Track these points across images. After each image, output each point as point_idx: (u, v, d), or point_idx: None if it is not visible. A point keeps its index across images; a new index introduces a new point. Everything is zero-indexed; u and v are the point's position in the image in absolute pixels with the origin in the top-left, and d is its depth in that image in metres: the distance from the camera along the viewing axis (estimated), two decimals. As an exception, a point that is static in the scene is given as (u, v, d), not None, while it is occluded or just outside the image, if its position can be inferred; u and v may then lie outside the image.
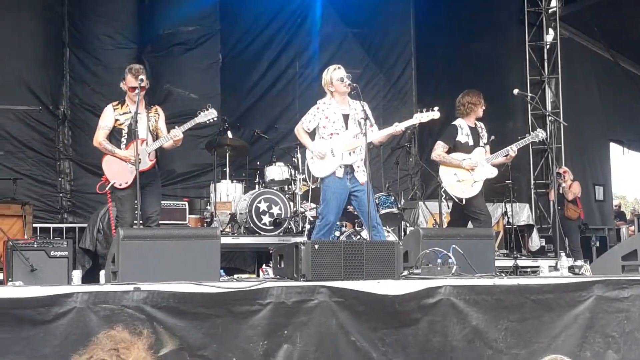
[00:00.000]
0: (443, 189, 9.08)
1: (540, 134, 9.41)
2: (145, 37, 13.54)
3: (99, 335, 3.10)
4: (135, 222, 7.92)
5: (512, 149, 9.11)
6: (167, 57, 13.64)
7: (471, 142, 9.09)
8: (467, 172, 8.97)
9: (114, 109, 8.26)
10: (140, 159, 7.92)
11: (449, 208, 11.57)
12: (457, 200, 8.99)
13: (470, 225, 9.28)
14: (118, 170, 8.12)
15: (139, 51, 13.37)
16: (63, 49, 13.11)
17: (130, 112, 8.12)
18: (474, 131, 9.16)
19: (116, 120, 8.21)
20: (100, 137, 8.21)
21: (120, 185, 8.12)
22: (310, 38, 14.62)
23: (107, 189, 8.12)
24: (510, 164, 10.11)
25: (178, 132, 8.13)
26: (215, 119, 8.51)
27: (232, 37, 14.14)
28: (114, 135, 8.22)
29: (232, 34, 14.14)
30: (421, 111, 8.38)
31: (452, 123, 9.20)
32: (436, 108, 8.30)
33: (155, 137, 8.29)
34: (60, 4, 13.10)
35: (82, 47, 13.18)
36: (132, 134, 8.02)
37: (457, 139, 9.07)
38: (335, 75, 8.13)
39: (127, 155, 8.06)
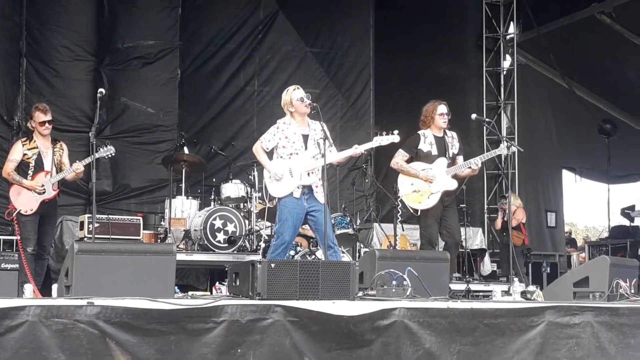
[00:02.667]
0: (399, 199, 9.03)
1: (504, 149, 9.26)
2: (104, 50, 13.50)
3: None
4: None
5: (475, 162, 8.97)
6: (125, 71, 13.60)
7: (435, 152, 8.92)
8: (424, 182, 8.83)
9: (23, 144, 9.14)
10: (45, 189, 9.01)
11: (403, 230, 11.70)
12: (412, 211, 8.94)
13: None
14: (24, 198, 8.97)
15: (97, 64, 13.36)
16: (20, 59, 13.01)
17: (37, 147, 9.11)
18: (439, 140, 8.99)
19: (24, 154, 9.07)
20: (9, 169, 9.07)
21: (26, 212, 8.97)
22: (270, 56, 14.65)
23: (13, 215, 8.95)
24: (465, 187, 10.15)
25: (79, 166, 9.00)
26: (113, 154, 9.22)
27: (192, 52, 14.14)
28: (22, 168, 9.06)
29: (192, 48, 14.14)
30: (381, 134, 8.37)
31: (417, 132, 9.06)
32: (396, 132, 8.30)
33: (59, 170, 9.15)
34: (19, 13, 13.01)
35: (39, 58, 13.10)
36: (39, 166, 9.06)
37: (419, 147, 8.93)
38: (295, 95, 8.12)
39: (32, 185, 8.97)
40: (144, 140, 13.46)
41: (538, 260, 14.78)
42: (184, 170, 11.56)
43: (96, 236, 9.26)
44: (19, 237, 8.99)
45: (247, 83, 14.48)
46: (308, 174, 8.11)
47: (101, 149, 9.03)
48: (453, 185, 8.95)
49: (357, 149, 8.26)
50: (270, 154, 8.27)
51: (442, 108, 9.02)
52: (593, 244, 16.02)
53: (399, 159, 8.95)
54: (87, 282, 6.23)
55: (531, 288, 8.70)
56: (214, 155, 12.71)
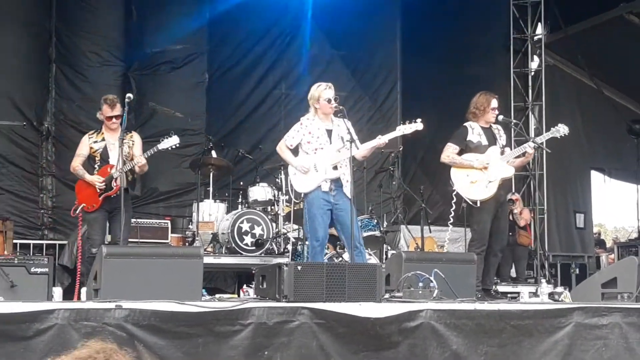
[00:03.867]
0: (455, 192, 8.61)
1: (562, 129, 8.81)
2: (132, 55, 13.55)
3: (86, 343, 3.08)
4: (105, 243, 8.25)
5: (530, 146, 8.73)
6: (154, 76, 13.68)
7: (485, 142, 8.68)
8: (480, 172, 8.55)
9: (89, 138, 8.73)
10: (106, 184, 8.46)
11: (430, 232, 11.65)
12: (471, 203, 8.54)
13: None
14: (88, 194, 8.53)
15: (126, 69, 13.40)
16: (49, 65, 13.11)
17: (104, 139, 8.67)
18: (487, 131, 8.77)
19: (91, 147, 8.66)
20: (75, 163, 8.70)
21: (89, 208, 8.52)
22: (297, 59, 14.66)
23: (77, 211, 8.60)
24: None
25: (141, 160, 8.54)
26: (177, 145, 8.77)
27: (220, 57, 14.17)
28: (89, 162, 8.68)
29: (220, 53, 14.17)
30: (404, 123, 8.33)
31: (463, 124, 8.83)
32: (419, 120, 8.21)
33: (128, 162, 8.56)
34: (48, 19, 13.10)
35: (68, 64, 13.18)
36: (105, 160, 8.59)
37: (468, 139, 8.67)
38: (324, 94, 8.11)
39: (93, 179, 8.49)
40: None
41: (567, 262, 14.72)
42: (211, 174, 11.62)
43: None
44: (79, 236, 8.80)
45: (275, 86, 14.51)
46: (334, 167, 8.09)
47: (165, 140, 8.63)
48: (510, 171, 8.72)
49: (381, 139, 8.17)
50: (295, 153, 8.27)
51: (495, 102, 8.81)
52: (622, 244, 15.90)
53: (450, 151, 8.68)
54: (116, 285, 6.27)
55: (559, 289, 8.68)
56: (241, 158, 12.77)
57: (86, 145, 8.68)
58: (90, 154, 8.66)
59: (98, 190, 8.48)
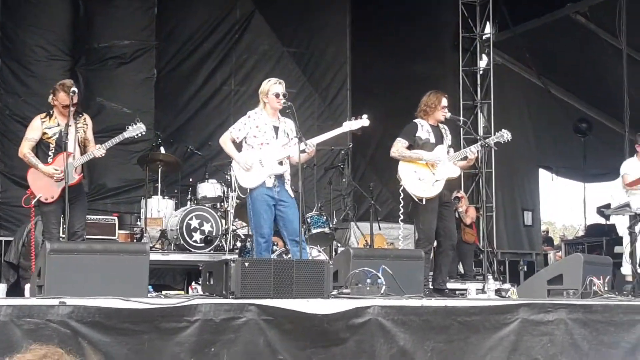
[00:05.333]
0: (402, 188, 8.58)
1: (505, 135, 8.89)
2: (80, 50, 13.41)
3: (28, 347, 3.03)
4: (62, 236, 7.82)
5: (472, 150, 8.82)
6: (101, 71, 13.53)
7: (433, 140, 8.65)
8: (427, 170, 8.54)
9: (42, 122, 8.06)
10: (64, 176, 7.77)
11: (380, 229, 11.69)
12: (417, 200, 8.50)
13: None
14: (44, 184, 7.95)
15: (73, 63, 13.25)
16: (-7, 59, 12.94)
17: (59, 125, 8.01)
18: (435, 130, 8.74)
19: (44, 133, 8.02)
20: (25, 149, 8.03)
21: (47, 199, 7.95)
22: (246, 55, 14.64)
23: (32, 202, 7.95)
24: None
25: (102, 152, 8.02)
26: (143, 133, 8.39)
27: (168, 52, 14.09)
28: (41, 148, 8.03)
29: (168, 48, 14.09)
30: (350, 119, 8.33)
31: (412, 121, 8.79)
32: (365, 115, 8.20)
33: (83, 147, 8.13)
34: (-7, 11, 12.93)
35: (14, 58, 12.98)
36: (60, 147, 7.92)
37: (417, 135, 8.63)
38: (273, 88, 8.09)
39: (50, 172, 7.91)
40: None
41: (515, 259, 14.86)
42: (160, 170, 11.53)
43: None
44: (32, 228, 8.22)
45: (224, 83, 14.48)
46: (279, 163, 8.07)
47: (130, 128, 8.19)
48: (456, 172, 8.75)
49: (322, 137, 8.24)
50: (238, 147, 8.21)
51: (445, 101, 8.80)
52: (569, 242, 16.11)
53: (399, 146, 8.64)
54: (60, 282, 6.17)
55: (506, 286, 8.74)
56: (190, 155, 12.67)
57: (38, 129, 8.02)
58: (42, 140, 8.01)
59: (58, 177, 7.89)
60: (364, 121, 8.24)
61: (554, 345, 6.92)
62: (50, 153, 7.99)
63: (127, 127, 8.25)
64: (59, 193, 7.91)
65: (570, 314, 7.02)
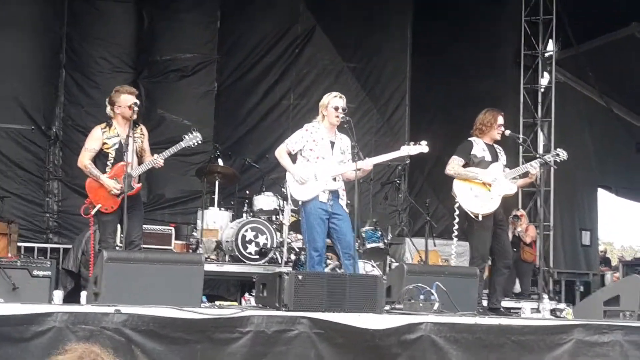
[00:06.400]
0: (457, 205, 8.55)
1: (561, 154, 8.88)
2: (143, 62, 13.62)
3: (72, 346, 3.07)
4: (119, 245, 7.90)
5: (533, 166, 8.76)
6: (163, 83, 13.72)
7: (488, 158, 8.63)
8: (483, 187, 8.51)
9: (102, 132, 8.05)
10: (123, 185, 7.85)
11: (435, 245, 11.63)
12: (472, 216, 8.46)
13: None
14: (103, 195, 7.95)
15: (136, 76, 13.45)
16: (59, 70, 13.20)
17: (118, 135, 8.01)
18: (491, 148, 8.72)
19: (104, 143, 8.01)
20: (85, 160, 8.03)
21: (106, 209, 7.95)
22: (306, 70, 14.71)
23: (91, 212, 7.95)
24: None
25: (160, 161, 8.08)
26: (200, 142, 8.41)
27: (229, 65, 14.22)
28: (99, 158, 8.04)
29: (229, 62, 14.22)
30: (408, 144, 8.29)
31: (467, 139, 8.79)
32: (424, 142, 8.16)
33: (140, 157, 8.17)
34: (59, 25, 13.17)
35: (78, 70, 13.25)
36: (119, 157, 7.96)
37: (472, 153, 8.62)
38: (333, 102, 8.08)
39: (111, 186, 7.90)
40: (180, 152, 13.46)
41: (571, 279, 14.67)
42: (217, 182, 11.61)
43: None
44: (92, 237, 8.15)
45: (283, 97, 14.55)
46: (334, 179, 8.07)
47: (186, 137, 8.25)
48: (513, 189, 8.72)
49: (383, 158, 8.29)
50: (293, 159, 8.22)
51: (501, 119, 8.77)
52: (627, 263, 15.88)
53: (455, 164, 8.61)
54: (116, 290, 6.26)
55: (561, 306, 8.65)
56: (247, 167, 12.72)
57: (99, 139, 8.01)
58: (101, 150, 7.99)
59: (116, 192, 7.89)
60: (423, 147, 8.16)
61: (609, 367, 6.84)
62: (108, 163, 8.00)
63: (184, 137, 8.30)
64: (118, 203, 7.91)
65: (626, 335, 6.92)
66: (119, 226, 8.09)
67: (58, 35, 13.22)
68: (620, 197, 18.51)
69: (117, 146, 7.99)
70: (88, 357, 2.86)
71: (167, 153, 8.19)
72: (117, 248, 8.04)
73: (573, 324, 6.98)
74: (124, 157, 7.90)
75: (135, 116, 7.99)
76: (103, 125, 8.13)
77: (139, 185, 8.12)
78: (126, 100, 7.97)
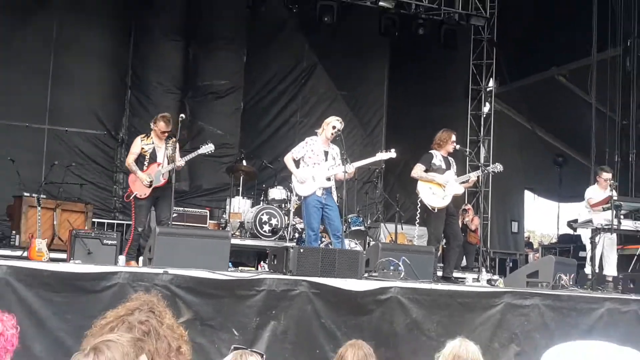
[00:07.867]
0: (419, 199, 8.61)
1: (498, 167, 9.09)
2: (188, 86, 13.56)
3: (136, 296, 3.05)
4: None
5: (472, 176, 8.99)
6: (203, 102, 13.65)
7: (444, 166, 8.67)
8: (439, 187, 8.54)
9: (141, 140, 8.41)
10: (152, 181, 8.21)
11: (402, 229, 11.62)
12: (430, 208, 8.51)
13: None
14: (139, 185, 8.27)
15: (182, 96, 13.40)
16: (126, 90, 13.16)
17: (153, 143, 8.35)
18: (445, 159, 8.77)
19: (142, 148, 8.36)
20: (130, 160, 8.39)
21: (141, 196, 8.26)
22: (309, 96, 14.69)
23: (131, 198, 8.30)
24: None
25: (181, 163, 8.33)
26: (212, 151, 8.66)
27: (252, 91, 14.17)
28: (139, 159, 8.34)
29: (252, 88, 14.17)
30: (382, 151, 8.49)
31: (429, 151, 8.82)
32: (393, 150, 8.35)
33: (170, 161, 8.31)
34: (127, 56, 13.16)
35: (140, 90, 13.18)
36: (152, 159, 8.28)
37: (432, 162, 8.66)
38: (332, 122, 8.19)
39: (143, 178, 8.20)
40: (214, 154, 13.42)
41: (503, 257, 14.67)
42: (241, 178, 11.62)
43: (174, 223, 8.92)
44: (133, 219, 8.34)
45: (292, 115, 14.50)
46: (327, 179, 8.14)
47: (203, 146, 8.52)
48: (460, 190, 8.77)
49: (357, 164, 8.30)
50: (297, 164, 8.31)
51: (454, 137, 8.85)
52: (545, 246, 15.82)
53: (418, 169, 8.66)
54: (165, 256, 6.30)
55: (495, 277, 8.66)
56: (264, 167, 12.68)
57: (139, 146, 8.37)
58: (140, 153, 8.34)
59: (147, 183, 8.23)
60: (392, 154, 8.33)
61: (529, 324, 6.89)
62: (145, 163, 8.32)
63: (201, 146, 8.54)
64: (149, 192, 8.25)
65: (543, 300, 6.99)
66: (151, 210, 8.45)
67: (125, 64, 13.18)
68: (541, 197, 18.52)
69: (151, 151, 8.33)
70: (147, 305, 2.88)
71: (188, 157, 8.48)
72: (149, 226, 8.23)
73: (503, 291, 7.04)
74: (156, 158, 8.30)
75: (166, 135, 8.33)
76: (143, 135, 8.55)
77: (166, 179, 8.28)
78: (160, 127, 8.32)
